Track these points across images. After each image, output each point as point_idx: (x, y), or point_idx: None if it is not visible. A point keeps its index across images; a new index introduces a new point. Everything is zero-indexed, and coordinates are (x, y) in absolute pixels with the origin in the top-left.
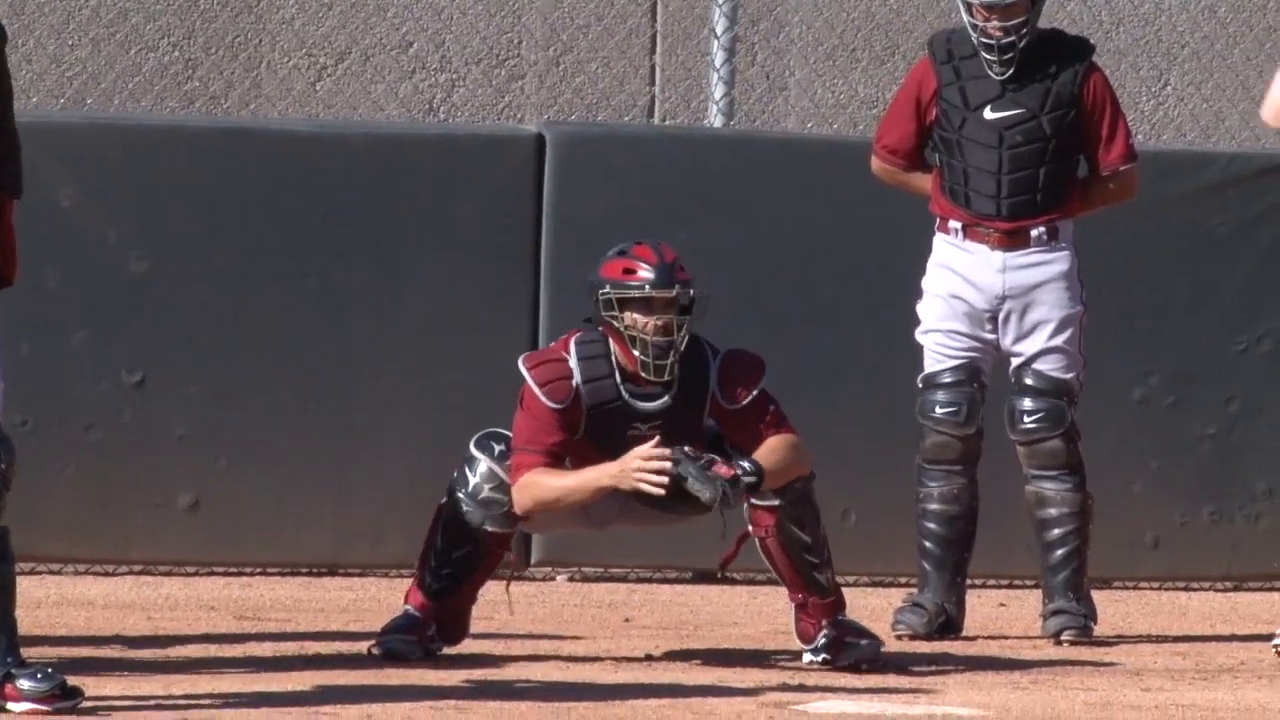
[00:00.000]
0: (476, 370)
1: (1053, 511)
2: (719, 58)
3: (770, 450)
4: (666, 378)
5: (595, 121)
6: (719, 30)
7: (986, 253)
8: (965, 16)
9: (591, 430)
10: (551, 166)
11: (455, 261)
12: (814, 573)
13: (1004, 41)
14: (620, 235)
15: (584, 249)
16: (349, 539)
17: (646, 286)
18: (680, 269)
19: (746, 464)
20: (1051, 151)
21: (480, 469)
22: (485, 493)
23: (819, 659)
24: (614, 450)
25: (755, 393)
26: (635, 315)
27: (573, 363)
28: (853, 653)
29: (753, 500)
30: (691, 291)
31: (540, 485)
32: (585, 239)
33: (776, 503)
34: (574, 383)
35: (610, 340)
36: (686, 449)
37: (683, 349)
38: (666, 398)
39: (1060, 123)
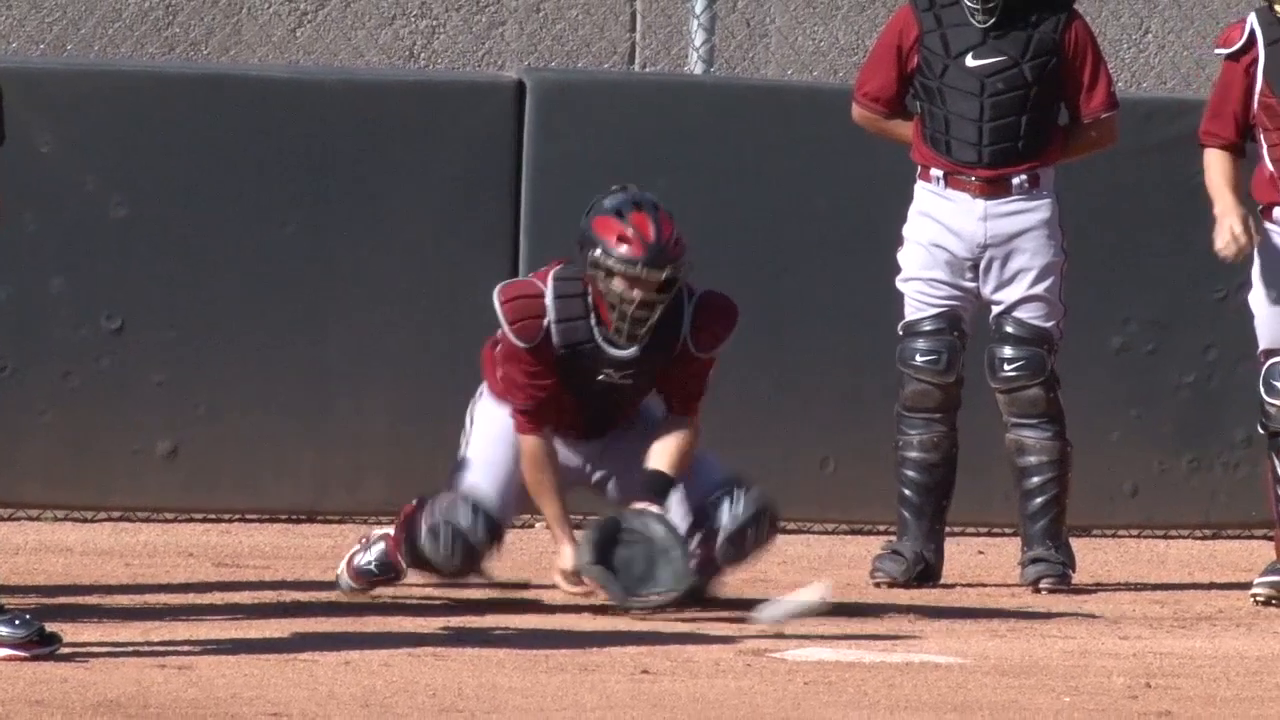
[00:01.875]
0: (455, 319)
1: (1032, 460)
2: (699, 4)
3: (671, 458)
4: (638, 346)
5: (575, 68)
6: None
7: (968, 200)
8: None
9: (562, 370)
10: (531, 114)
11: (434, 209)
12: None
13: None
14: (600, 183)
15: (564, 196)
16: (327, 486)
17: (639, 265)
18: (675, 244)
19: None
20: (1033, 99)
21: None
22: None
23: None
24: (584, 393)
25: (720, 347)
26: (620, 284)
27: (548, 299)
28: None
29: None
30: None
31: (530, 471)
32: (565, 186)
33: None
34: (545, 322)
35: (589, 287)
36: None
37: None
38: (638, 348)
39: (1042, 70)
